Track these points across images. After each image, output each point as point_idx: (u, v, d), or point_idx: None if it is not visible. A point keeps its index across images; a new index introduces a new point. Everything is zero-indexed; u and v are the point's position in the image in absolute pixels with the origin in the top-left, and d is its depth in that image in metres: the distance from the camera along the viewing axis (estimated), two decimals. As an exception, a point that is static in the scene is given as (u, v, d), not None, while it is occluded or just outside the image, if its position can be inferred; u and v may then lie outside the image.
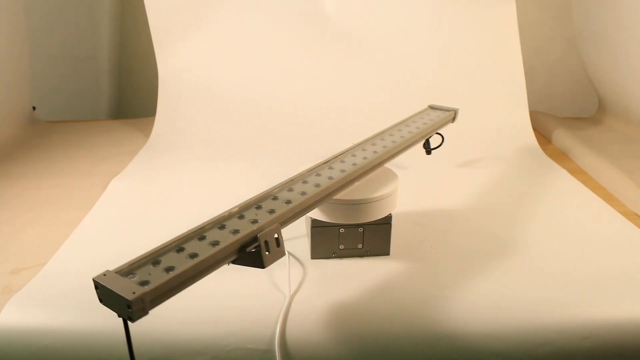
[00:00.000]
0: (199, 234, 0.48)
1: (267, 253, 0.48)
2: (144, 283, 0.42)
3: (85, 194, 0.86)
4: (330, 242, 0.64)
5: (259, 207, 0.52)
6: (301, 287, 0.59)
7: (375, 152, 0.64)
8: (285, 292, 0.58)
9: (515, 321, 0.55)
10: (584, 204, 0.82)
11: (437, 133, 0.81)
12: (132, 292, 0.40)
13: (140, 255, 0.45)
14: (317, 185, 0.56)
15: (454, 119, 0.83)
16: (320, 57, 1.18)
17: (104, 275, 0.42)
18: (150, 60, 1.20)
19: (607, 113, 1.26)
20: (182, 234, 0.48)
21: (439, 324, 0.54)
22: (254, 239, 0.47)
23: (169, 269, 0.44)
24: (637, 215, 0.79)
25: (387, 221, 0.64)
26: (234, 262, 0.48)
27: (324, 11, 1.17)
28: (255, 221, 0.49)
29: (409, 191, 0.84)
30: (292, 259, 0.65)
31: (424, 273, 0.62)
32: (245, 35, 1.18)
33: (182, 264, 0.44)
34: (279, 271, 0.62)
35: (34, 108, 1.27)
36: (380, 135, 0.70)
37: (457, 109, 0.83)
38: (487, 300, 0.57)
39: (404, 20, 1.18)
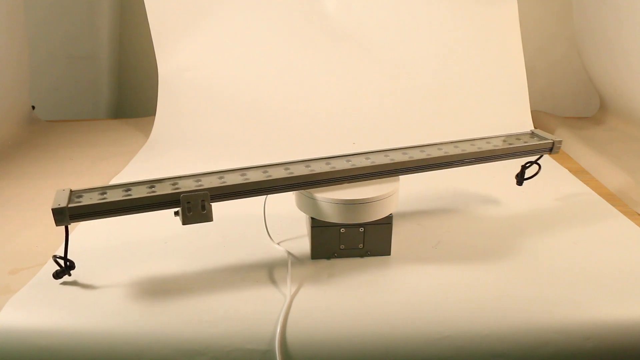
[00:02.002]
0: (151, 184, 0.58)
1: (189, 213, 0.55)
2: (77, 202, 0.53)
3: (84, 193, 0.85)
4: (331, 242, 0.64)
5: (220, 177, 0.59)
6: (301, 287, 0.59)
7: (392, 159, 0.64)
8: (285, 292, 0.58)
9: (516, 322, 0.55)
10: (586, 203, 0.81)
11: (536, 163, 0.75)
12: (58, 204, 0.52)
13: (95, 187, 0.57)
14: (291, 173, 0.59)
15: (551, 150, 0.74)
16: (320, 57, 1.18)
17: (63, 190, 0.55)
18: (150, 59, 1.20)
19: (609, 112, 1.26)
20: (136, 181, 0.58)
21: (439, 325, 0.54)
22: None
23: (103, 199, 0.54)
24: (639, 215, 0.79)
25: (388, 221, 0.63)
26: (177, 213, 0.57)
27: (325, 10, 1.17)
28: (200, 185, 0.57)
29: (409, 191, 0.84)
30: (292, 259, 0.65)
31: (425, 273, 0.62)
32: (245, 35, 1.17)
33: (115, 197, 0.54)
34: (279, 271, 0.62)
35: (33, 107, 1.27)
36: (430, 145, 0.69)
37: (559, 140, 0.74)
38: (488, 301, 0.57)
39: (405, 19, 1.17)
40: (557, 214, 0.77)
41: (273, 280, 0.60)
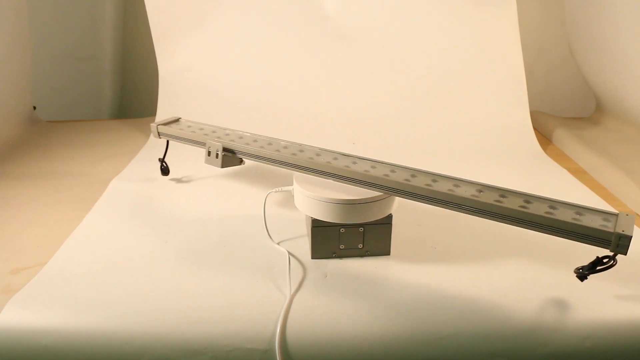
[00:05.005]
0: (214, 129, 0.82)
1: (208, 156, 0.76)
2: (166, 126, 0.84)
3: (85, 194, 0.86)
4: (331, 242, 0.64)
5: (255, 140, 0.76)
6: (301, 287, 0.59)
7: (392, 170, 0.64)
8: (286, 292, 0.58)
9: (515, 321, 0.55)
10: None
11: (613, 258, 0.54)
12: (156, 123, 0.83)
13: (191, 121, 0.86)
14: (294, 155, 0.68)
15: (609, 245, 0.53)
16: (320, 57, 1.18)
17: (172, 117, 0.87)
18: (152, 60, 1.20)
19: (605, 113, 1.26)
20: (206, 123, 0.84)
21: (438, 324, 0.54)
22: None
23: (180, 129, 0.82)
24: (637, 214, 0.79)
25: (387, 221, 0.64)
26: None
27: (324, 11, 1.17)
28: (232, 140, 0.76)
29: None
30: (292, 259, 0.65)
31: (425, 273, 0.62)
32: (245, 35, 1.18)
33: (184, 130, 0.82)
34: (279, 271, 0.62)
35: (34, 108, 1.27)
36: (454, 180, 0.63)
37: (627, 237, 0.52)
38: (487, 301, 0.57)
39: (405, 20, 1.18)
40: (556, 214, 0.78)
41: (273, 280, 0.60)
